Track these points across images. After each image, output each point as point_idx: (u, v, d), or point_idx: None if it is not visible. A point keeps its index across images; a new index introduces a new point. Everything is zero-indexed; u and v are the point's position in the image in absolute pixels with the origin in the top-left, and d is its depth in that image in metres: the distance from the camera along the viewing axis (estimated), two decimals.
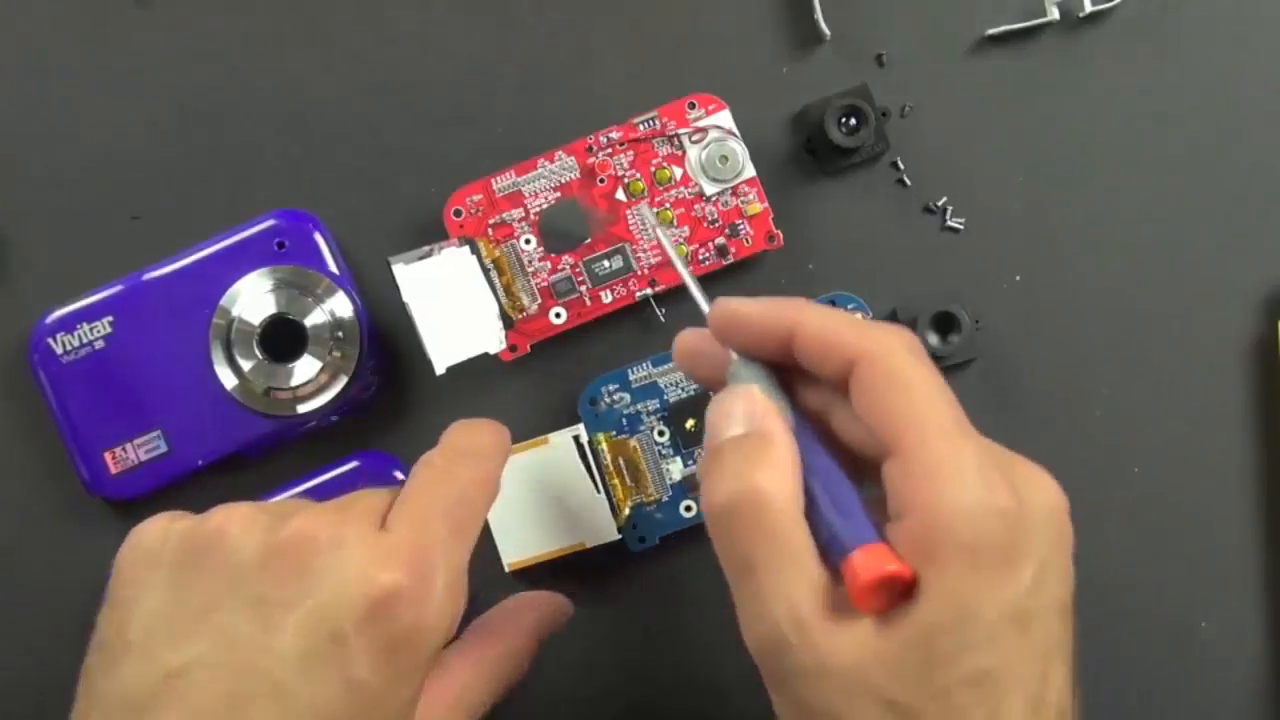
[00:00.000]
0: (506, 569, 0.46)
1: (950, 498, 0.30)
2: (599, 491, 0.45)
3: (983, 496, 0.30)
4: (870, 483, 0.33)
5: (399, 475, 0.46)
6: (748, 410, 0.33)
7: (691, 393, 0.45)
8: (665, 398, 0.45)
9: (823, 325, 0.33)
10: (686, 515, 0.45)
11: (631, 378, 0.45)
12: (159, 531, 0.34)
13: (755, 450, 0.32)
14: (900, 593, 0.30)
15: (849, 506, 0.31)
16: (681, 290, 0.46)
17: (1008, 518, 0.30)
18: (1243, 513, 0.47)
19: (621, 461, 0.45)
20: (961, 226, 0.47)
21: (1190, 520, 0.47)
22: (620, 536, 0.45)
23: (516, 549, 0.45)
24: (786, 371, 0.35)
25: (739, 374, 0.35)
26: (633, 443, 0.45)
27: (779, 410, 0.33)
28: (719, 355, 0.35)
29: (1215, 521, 0.47)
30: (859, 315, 0.33)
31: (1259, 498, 0.47)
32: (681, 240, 0.46)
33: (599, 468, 0.45)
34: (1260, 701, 0.47)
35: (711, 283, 0.46)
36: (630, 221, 0.46)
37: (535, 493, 0.45)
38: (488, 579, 0.46)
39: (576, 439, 0.45)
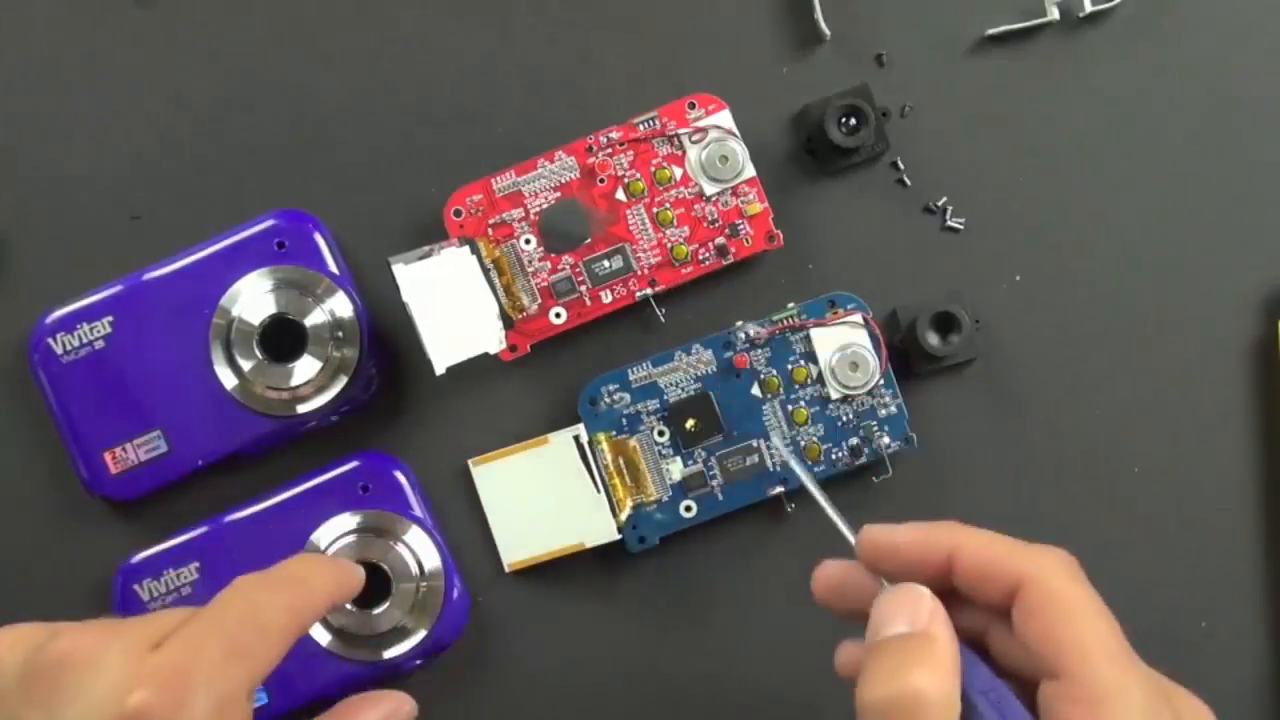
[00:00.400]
0: (506, 569, 0.46)
1: None
2: (599, 491, 0.45)
3: None
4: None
5: (398, 476, 0.46)
6: (914, 609, 0.32)
7: (691, 393, 0.45)
8: (665, 398, 0.45)
9: (983, 550, 0.33)
10: (686, 515, 0.45)
11: (631, 378, 0.45)
12: None
13: (918, 650, 0.31)
14: None
15: None
16: (682, 290, 0.46)
17: None
18: (1243, 513, 0.47)
19: (621, 461, 0.45)
20: (961, 226, 0.47)
21: (1190, 520, 0.47)
22: (620, 536, 0.45)
23: (516, 549, 0.45)
24: (937, 595, 0.33)
25: None
26: (633, 443, 0.45)
27: (945, 615, 0.32)
28: (866, 585, 0.35)
29: (1215, 521, 0.47)
30: (1011, 538, 0.34)
31: (1259, 498, 0.47)
32: (681, 240, 0.46)
33: (599, 468, 0.45)
34: (1261, 701, 0.47)
35: (712, 283, 0.46)
36: (630, 221, 0.46)
37: (535, 493, 0.45)
38: (488, 579, 0.46)
39: (576, 439, 0.45)
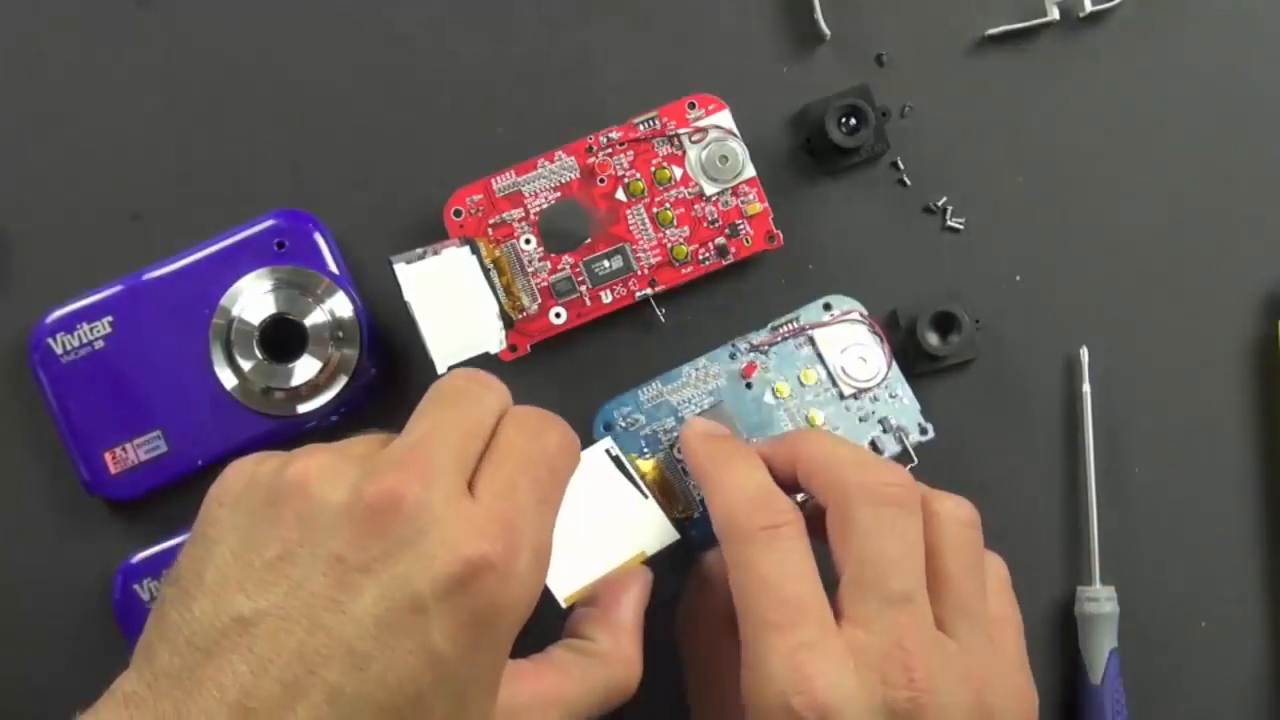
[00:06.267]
0: (563, 603, 0.40)
1: None
2: (646, 496, 0.42)
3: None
4: None
5: None
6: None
7: (705, 405, 0.45)
8: (679, 414, 0.45)
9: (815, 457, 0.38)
10: None
11: (642, 398, 0.45)
12: (245, 473, 0.33)
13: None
14: None
15: None
16: (682, 290, 0.46)
17: None
18: (1243, 513, 0.47)
19: (650, 481, 0.44)
20: (961, 226, 0.47)
21: (1190, 520, 0.47)
22: (679, 536, 0.42)
23: (568, 579, 0.41)
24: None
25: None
26: (656, 462, 0.44)
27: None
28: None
29: (1215, 521, 0.47)
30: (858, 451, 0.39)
31: (1259, 497, 0.47)
32: (681, 241, 0.46)
33: (638, 475, 0.42)
34: (1260, 701, 0.47)
35: (712, 283, 0.46)
36: (630, 221, 0.46)
37: (576, 516, 0.40)
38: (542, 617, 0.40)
39: (608, 452, 0.42)
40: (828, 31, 0.47)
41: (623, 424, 0.45)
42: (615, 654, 0.37)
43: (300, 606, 0.30)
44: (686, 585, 0.41)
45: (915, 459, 0.45)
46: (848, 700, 0.33)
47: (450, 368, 0.44)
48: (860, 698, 0.33)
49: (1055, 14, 0.47)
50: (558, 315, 0.45)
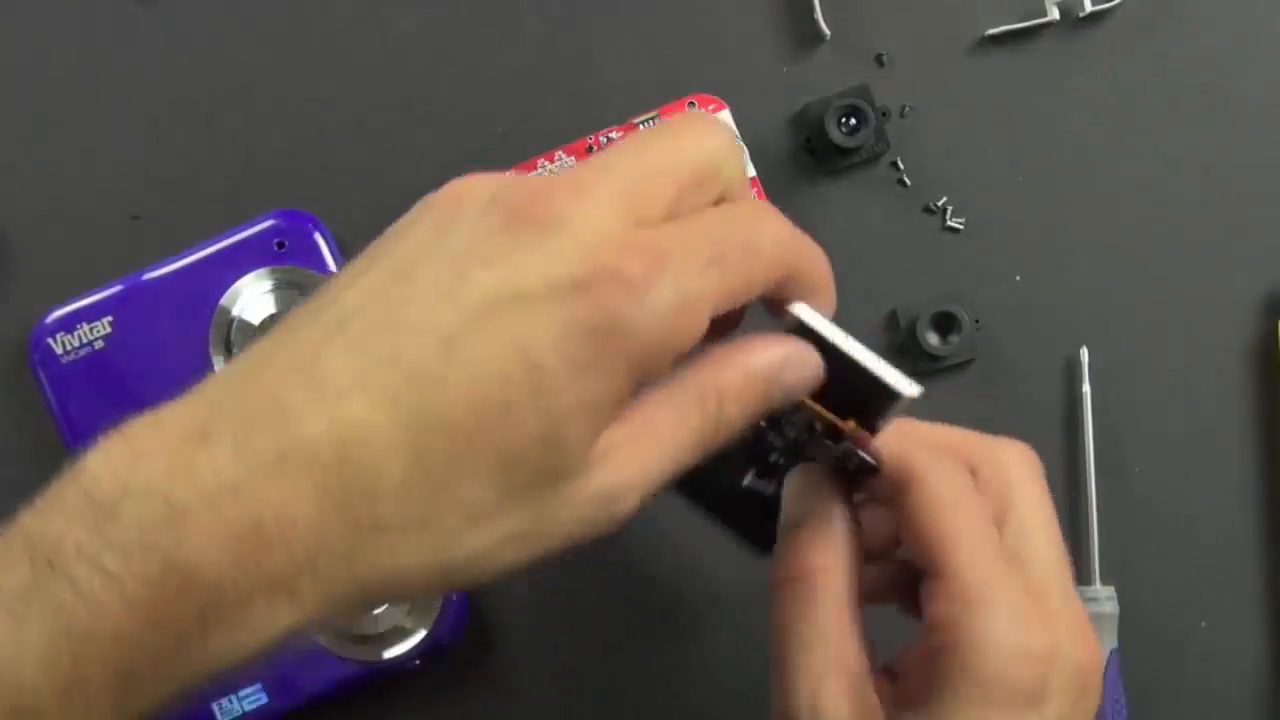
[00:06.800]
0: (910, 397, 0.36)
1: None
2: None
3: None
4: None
5: None
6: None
7: None
8: None
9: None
10: None
11: None
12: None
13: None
14: None
15: None
16: None
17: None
18: (1243, 513, 0.47)
19: None
20: (961, 226, 0.47)
21: (1190, 520, 0.47)
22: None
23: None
24: None
25: None
26: None
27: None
28: None
29: (1215, 521, 0.47)
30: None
31: (1259, 498, 0.47)
32: None
33: None
34: (1260, 701, 0.47)
35: None
36: None
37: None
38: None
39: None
40: (828, 31, 0.47)
41: None
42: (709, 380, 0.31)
43: (412, 301, 0.28)
44: (793, 517, 0.35)
45: None
46: (1064, 658, 0.32)
47: None
48: (1066, 655, 0.33)
49: (1055, 14, 0.47)
50: None
